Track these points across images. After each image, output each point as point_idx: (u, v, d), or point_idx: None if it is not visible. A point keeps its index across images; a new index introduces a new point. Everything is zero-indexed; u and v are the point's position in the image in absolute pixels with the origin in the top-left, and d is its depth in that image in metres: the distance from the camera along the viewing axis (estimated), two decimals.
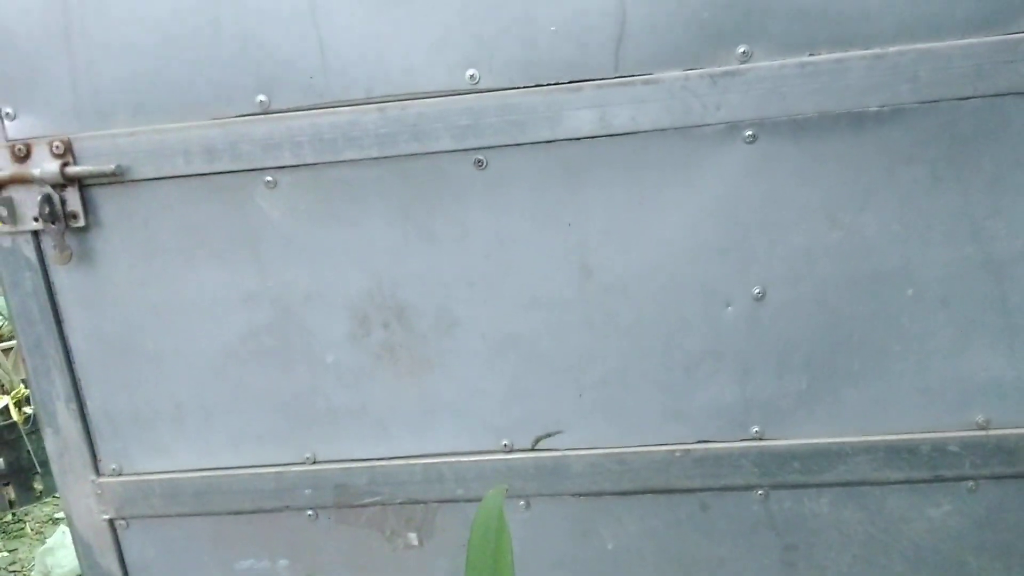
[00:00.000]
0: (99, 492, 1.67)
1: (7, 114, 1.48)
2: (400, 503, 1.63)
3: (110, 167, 1.45)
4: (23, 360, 1.62)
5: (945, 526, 1.53)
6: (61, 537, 3.05)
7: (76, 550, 1.74)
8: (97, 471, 1.67)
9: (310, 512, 1.65)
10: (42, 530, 3.47)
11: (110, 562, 1.71)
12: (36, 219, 1.50)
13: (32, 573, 3.05)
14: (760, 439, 1.51)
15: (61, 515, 3.47)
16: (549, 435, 1.57)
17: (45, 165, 1.46)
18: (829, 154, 1.37)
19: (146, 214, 1.51)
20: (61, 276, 1.56)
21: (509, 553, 0.99)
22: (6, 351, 3.63)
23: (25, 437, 3.24)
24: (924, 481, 1.50)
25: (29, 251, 1.54)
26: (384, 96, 1.42)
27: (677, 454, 1.53)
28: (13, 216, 1.50)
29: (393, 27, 1.38)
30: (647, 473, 1.55)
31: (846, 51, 1.33)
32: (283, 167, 1.46)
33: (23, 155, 1.48)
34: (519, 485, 1.58)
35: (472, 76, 1.39)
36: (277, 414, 1.61)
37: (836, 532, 1.55)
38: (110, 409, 1.63)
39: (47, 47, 1.44)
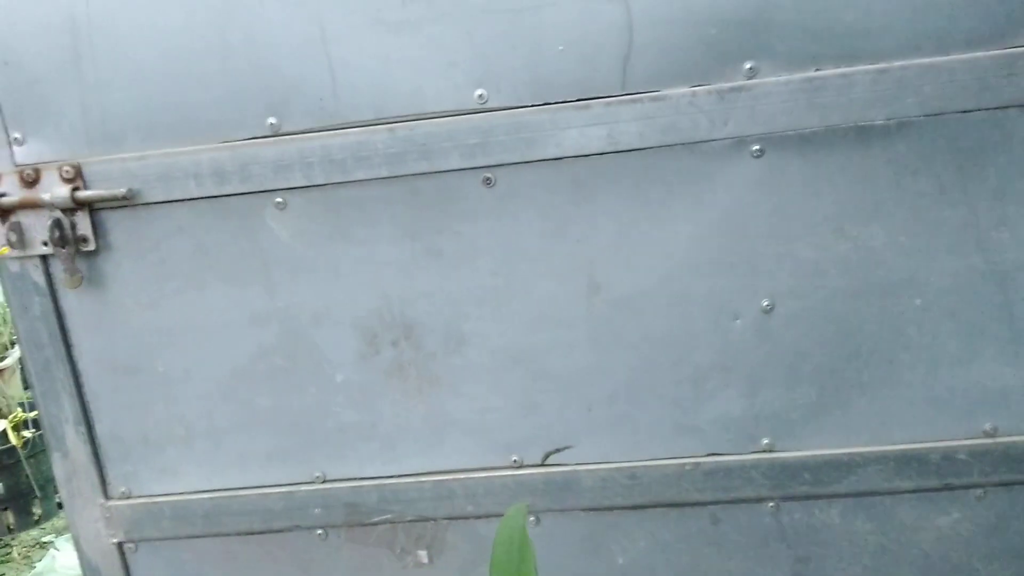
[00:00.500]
0: (108, 515, 1.66)
1: (16, 139, 1.48)
2: (410, 521, 1.63)
3: (121, 191, 1.45)
4: (31, 385, 1.61)
5: (955, 534, 1.54)
6: (50, 562, 3.01)
7: (83, 574, 1.72)
8: (106, 494, 1.66)
9: (320, 531, 1.65)
10: (30, 554, 3.41)
11: None
12: (46, 243, 1.50)
13: None
14: (770, 451, 1.52)
15: (49, 538, 3.43)
16: (559, 450, 1.58)
17: (55, 190, 1.46)
18: (836, 167, 1.39)
19: (156, 237, 1.51)
20: (70, 300, 1.56)
21: (534, 570, 0.99)
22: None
23: (24, 461, 3.22)
24: (933, 490, 1.51)
25: (38, 275, 1.54)
26: (393, 116, 1.42)
27: (687, 467, 1.54)
28: (22, 241, 1.50)
29: (402, 49, 1.39)
30: (657, 487, 1.56)
31: (851, 66, 1.34)
32: (293, 188, 1.46)
33: (32, 180, 1.48)
34: (529, 501, 1.59)
35: (481, 96, 1.40)
36: (286, 434, 1.61)
37: (847, 543, 1.56)
38: (119, 432, 1.63)
39: (56, 72, 1.45)
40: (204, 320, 1.55)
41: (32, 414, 3.37)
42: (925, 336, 1.45)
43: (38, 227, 1.50)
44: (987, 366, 1.45)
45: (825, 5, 1.32)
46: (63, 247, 1.48)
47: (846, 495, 1.52)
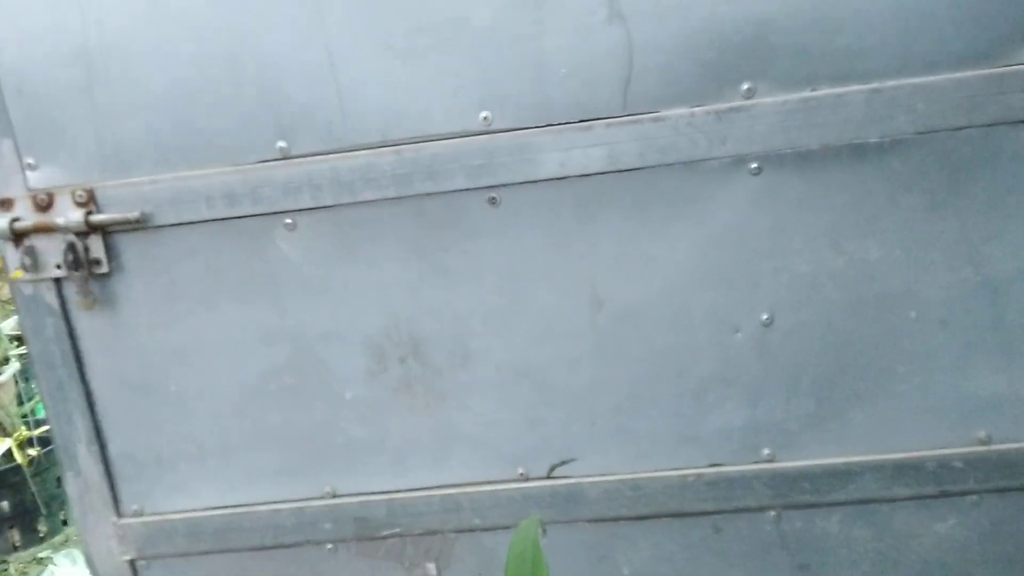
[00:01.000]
0: (120, 533, 1.68)
1: (29, 164, 1.51)
2: (418, 534, 1.65)
3: (134, 214, 1.48)
4: (45, 406, 1.64)
5: (951, 540, 1.57)
6: None
7: None
8: (118, 512, 1.68)
9: (330, 546, 1.68)
10: (27, 571, 3.40)
11: None
12: (59, 267, 1.52)
13: None
14: (771, 461, 1.56)
15: (45, 554, 3.43)
16: (564, 463, 1.61)
17: (69, 214, 1.49)
18: (832, 184, 1.43)
19: (168, 259, 1.54)
20: (82, 321, 1.58)
21: None
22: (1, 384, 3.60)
23: (29, 479, 3.23)
24: (930, 497, 1.55)
25: (51, 298, 1.56)
26: (400, 139, 1.46)
27: (690, 478, 1.57)
28: (36, 264, 1.53)
29: (408, 73, 1.43)
30: (661, 497, 1.59)
31: (846, 86, 1.38)
32: (302, 209, 1.50)
33: (46, 204, 1.50)
34: (535, 513, 1.61)
35: (485, 118, 1.44)
36: (296, 450, 1.64)
37: (847, 550, 1.59)
38: (131, 450, 1.65)
39: (70, 100, 1.48)
40: (215, 339, 1.58)
41: (37, 432, 3.38)
42: (920, 347, 1.49)
43: (52, 250, 1.53)
44: (980, 375, 1.49)
45: (819, 27, 1.36)
46: (77, 270, 1.51)
47: (845, 503, 1.56)
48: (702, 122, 1.41)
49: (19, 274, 1.54)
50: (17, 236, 1.52)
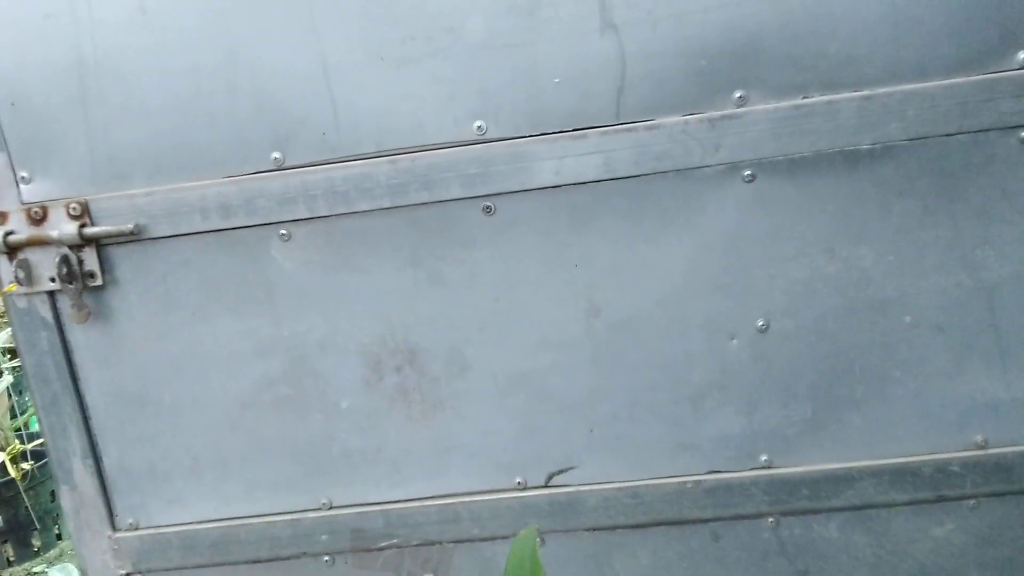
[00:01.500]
0: (116, 547, 1.67)
1: (23, 178, 1.51)
2: (416, 545, 1.65)
3: (128, 227, 1.48)
4: (39, 420, 1.63)
5: (949, 544, 1.58)
6: None
7: None
8: (114, 526, 1.68)
9: (327, 558, 1.67)
10: None
11: None
12: (53, 279, 1.52)
13: None
14: (769, 467, 1.56)
15: (39, 569, 3.41)
16: (562, 471, 1.60)
17: (63, 227, 1.49)
18: (825, 190, 1.43)
19: (163, 270, 1.54)
20: (77, 334, 1.58)
21: None
22: None
23: (23, 494, 3.21)
24: (928, 501, 1.55)
25: (45, 311, 1.56)
26: (395, 149, 1.46)
27: (688, 485, 1.57)
28: (30, 277, 1.52)
29: (402, 84, 1.43)
30: (660, 505, 1.59)
31: (837, 93, 1.39)
32: (297, 220, 1.50)
33: (39, 218, 1.50)
34: (534, 522, 1.61)
35: (480, 127, 1.44)
36: (293, 461, 1.63)
37: (845, 556, 1.59)
38: (126, 464, 1.65)
39: (64, 113, 1.48)
40: (211, 351, 1.58)
41: (30, 446, 3.37)
42: (915, 352, 1.49)
43: (46, 263, 1.52)
44: (976, 379, 1.50)
45: (811, 35, 1.37)
46: (71, 283, 1.51)
47: (843, 509, 1.56)
48: (696, 130, 1.41)
49: (13, 287, 1.53)
50: (11, 249, 1.52)
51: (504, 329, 1.54)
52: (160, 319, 1.56)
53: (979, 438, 1.52)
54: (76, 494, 1.66)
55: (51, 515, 3.46)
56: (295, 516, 1.65)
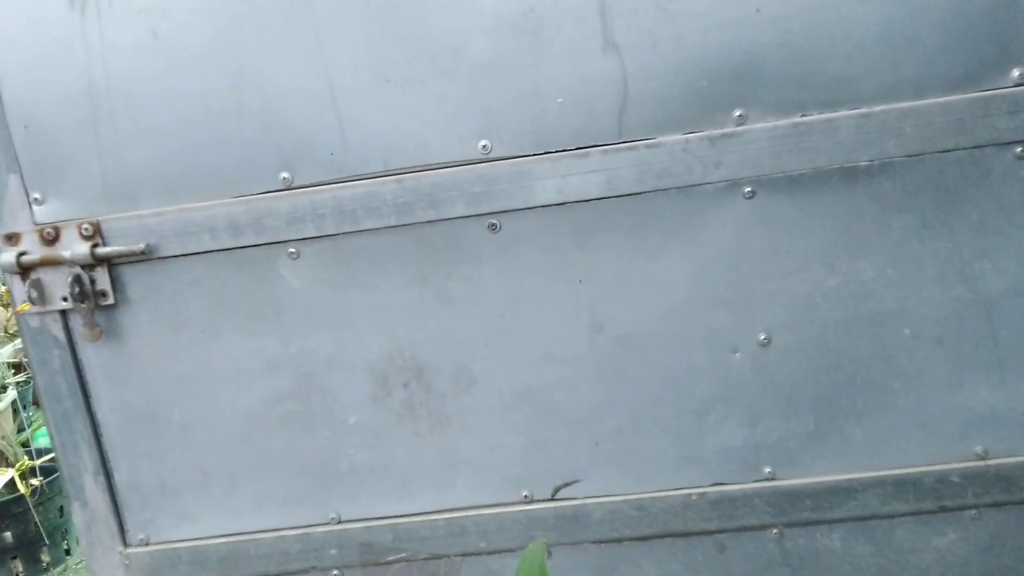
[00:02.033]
0: (127, 563, 1.69)
1: (36, 199, 1.53)
2: (424, 559, 1.66)
3: (140, 247, 1.50)
4: (50, 436, 1.65)
5: (951, 554, 1.59)
6: None
7: None
8: (125, 542, 1.69)
9: (336, 572, 1.68)
10: None
11: None
12: (65, 299, 1.54)
13: None
14: (772, 479, 1.57)
15: None
16: (568, 484, 1.62)
17: (75, 247, 1.51)
18: (824, 206, 1.46)
19: (173, 289, 1.56)
20: (89, 352, 1.60)
21: None
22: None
23: (32, 509, 3.22)
24: (929, 512, 1.56)
25: (57, 330, 1.58)
26: (401, 168, 1.49)
27: (693, 497, 1.59)
28: (42, 297, 1.55)
29: (408, 104, 1.46)
30: (665, 517, 1.60)
31: (835, 111, 1.42)
32: (305, 239, 1.52)
33: (52, 238, 1.53)
34: (540, 535, 1.63)
35: (484, 146, 1.47)
36: (301, 477, 1.65)
37: (849, 566, 1.61)
38: (137, 480, 1.66)
39: (75, 135, 1.50)
40: (220, 368, 1.60)
41: (39, 461, 3.38)
42: (915, 364, 1.51)
43: (58, 283, 1.55)
44: (976, 391, 1.52)
45: (809, 54, 1.40)
46: (83, 302, 1.53)
47: (847, 519, 1.58)
48: (696, 148, 1.44)
49: (26, 307, 1.56)
50: (24, 269, 1.54)
51: (510, 345, 1.56)
52: (170, 337, 1.59)
53: (979, 449, 1.54)
54: (88, 510, 1.68)
55: (60, 531, 3.47)
56: (304, 531, 1.66)
